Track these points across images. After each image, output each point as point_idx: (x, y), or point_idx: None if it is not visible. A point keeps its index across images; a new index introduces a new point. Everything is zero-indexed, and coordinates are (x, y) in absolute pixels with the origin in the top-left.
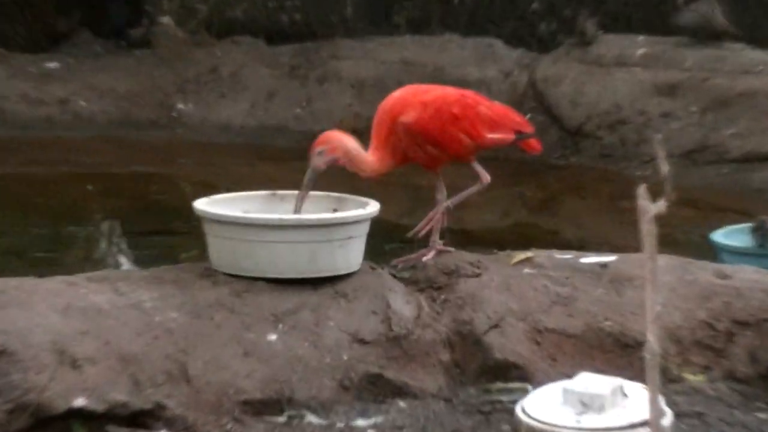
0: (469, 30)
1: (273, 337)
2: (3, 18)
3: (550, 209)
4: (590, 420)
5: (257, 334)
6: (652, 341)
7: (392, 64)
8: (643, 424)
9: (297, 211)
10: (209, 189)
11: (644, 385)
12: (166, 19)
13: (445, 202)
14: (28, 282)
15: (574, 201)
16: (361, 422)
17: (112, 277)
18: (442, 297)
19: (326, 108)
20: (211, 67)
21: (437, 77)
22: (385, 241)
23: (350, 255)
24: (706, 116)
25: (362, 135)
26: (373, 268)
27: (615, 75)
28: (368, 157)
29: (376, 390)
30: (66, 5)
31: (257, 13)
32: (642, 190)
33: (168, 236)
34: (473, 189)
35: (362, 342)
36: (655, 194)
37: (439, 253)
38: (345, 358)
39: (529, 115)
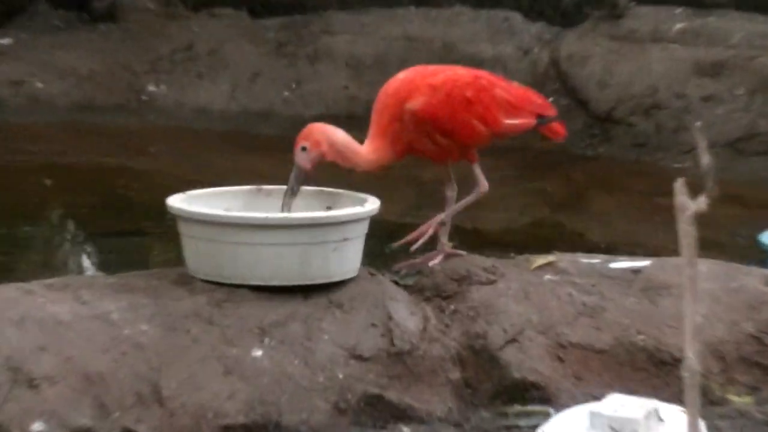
0: (482, 1)
1: (258, 352)
2: None
3: (575, 206)
4: None
5: (240, 349)
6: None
7: (394, 40)
8: None
9: (285, 209)
10: (185, 183)
11: (683, 408)
12: None
13: (442, 214)
14: None
15: (603, 197)
16: None
17: (74, 285)
18: (452, 307)
19: (318, 90)
20: (186, 44)
21: (446, 55)
22: (386, 243)
23: (346, 259)
24: (755, 100)
25: (360, 122)
26: (372, 274)
27: (650, 52)
28: (362, 149)
29: (376, 413)
30: None
31: None
32: (680, 185)
33: (138, 237)
34: (470, 198)
35: (360, 358)
36: (695, 189)
37: (448, 256)
38: (340, 376)
39: (551, 99)
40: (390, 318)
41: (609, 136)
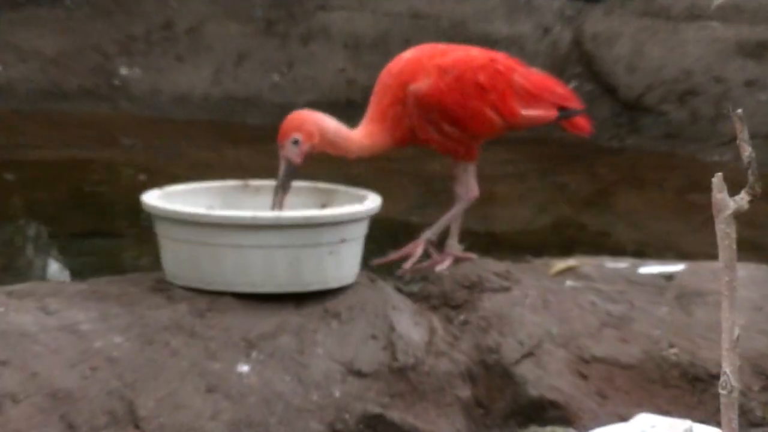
0: None
1: (245, 368)
2: None
3: (599, 205)
4: None
5: (224, 364)
6: (730, 374)
7: (397, 17)
8: None
9: (275, 207)
10: (162, 178)
11: (719, 430)
12: None
13: (428, 231)
14: None
15: (631, 194)
16: None
17: (39, 292)
18: (461, 317)
19: (312, 74)
20: (163, 22)
21: (456, 35)
22: (388, 245)
23: (343, 263)
24: None
25: (358, 109)
26: (372, 280)
27: (685, 31)
28: (354, 134)
29: None
30: None
31: None
32: (718, 180)
33: (110, 239)
34: (458, 208)
35: (359, 374)
36: (735, 185)
37: (457, 260)
38: (337, 395)
39: (573, 84)
40: (392, 329)
41: (638, 126)
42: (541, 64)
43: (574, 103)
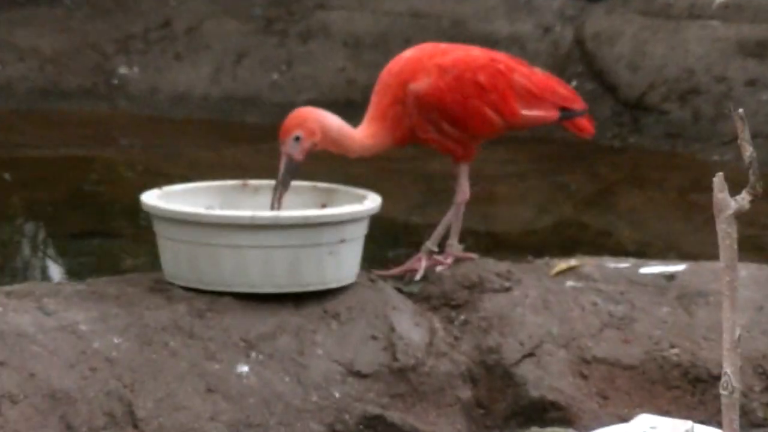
0: None
1: (244, 368)
2: None
3: (601, 204)
4: None
5: (224, 364)
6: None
7: (397, 16)
8: None
9: (275, 206)
10: (161, 178)
11: (720, 431)
12: None
13: (428, 242)
14: None
15: (632, 193)
16: None
17: (38, 292)
18: (462, 317)
19: (311, 73)
20: (162, 21)
21: (456, 34)
22: (389, 245)
23: (343, 264)
24: None
25: (358, 109)
26: (372, 281)
27: (686, 31)
28: (357, 134)
29: None
30: None
31: None
32: (719, 180)
33: (109, 239)
34: (452, 213)
35: (359, 375)
36: (736, 185)
37: (458, 260)
38: (336, 395)
39: (574, 83)
40: (392, 330)
41: (640, 125)
42: (542, 64)
43: (577, 104)
